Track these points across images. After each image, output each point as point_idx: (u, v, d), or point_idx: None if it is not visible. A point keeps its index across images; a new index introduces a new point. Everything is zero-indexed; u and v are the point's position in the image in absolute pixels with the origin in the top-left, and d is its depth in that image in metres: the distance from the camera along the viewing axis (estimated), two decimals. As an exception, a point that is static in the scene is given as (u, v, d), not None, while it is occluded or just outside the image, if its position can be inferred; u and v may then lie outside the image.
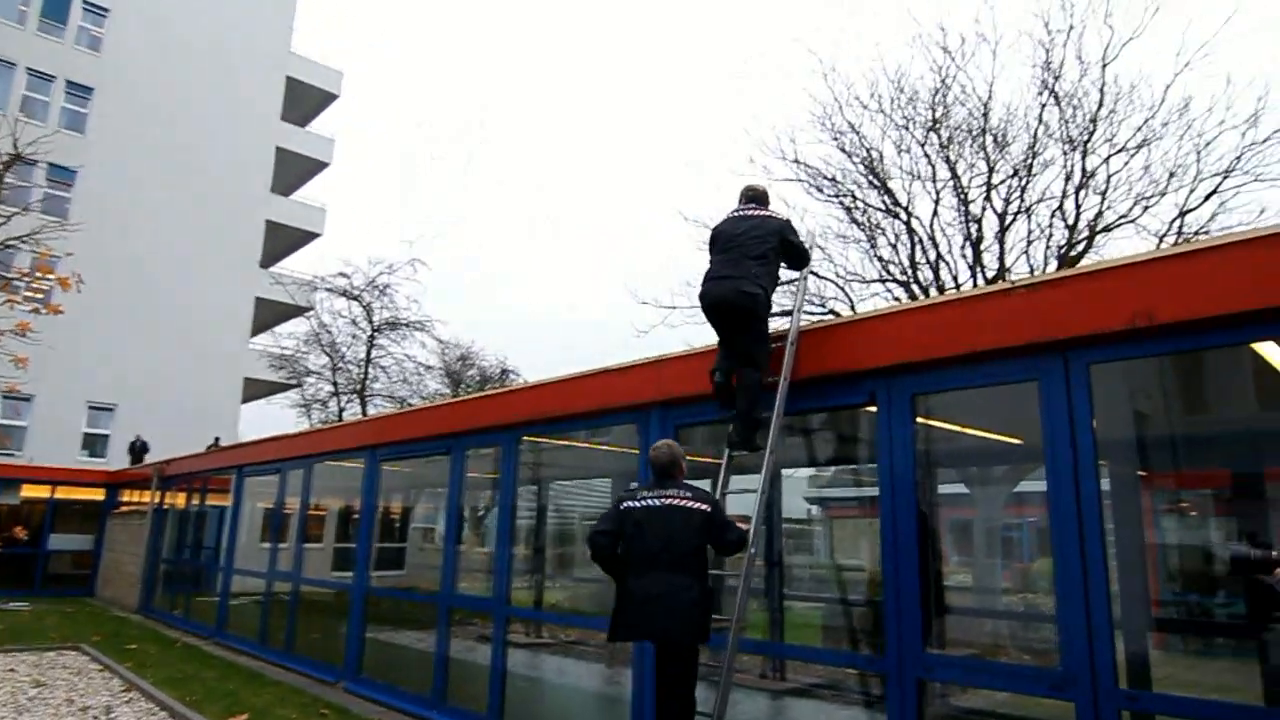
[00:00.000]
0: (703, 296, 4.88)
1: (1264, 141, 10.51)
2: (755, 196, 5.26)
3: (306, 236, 32.34)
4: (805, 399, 4.72)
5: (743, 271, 4.72)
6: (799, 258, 5.05)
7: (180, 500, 15.27)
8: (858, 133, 12.93)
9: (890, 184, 12.70)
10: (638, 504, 4.25)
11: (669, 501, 4.20)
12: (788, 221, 5.01)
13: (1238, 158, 10.60)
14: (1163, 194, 11.10)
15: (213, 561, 13.92)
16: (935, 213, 12.38)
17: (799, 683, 8.00)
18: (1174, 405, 5.23)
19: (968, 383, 4.13)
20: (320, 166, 33.44)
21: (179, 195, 26.78)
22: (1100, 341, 3.64)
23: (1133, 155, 11.25)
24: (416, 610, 11.73)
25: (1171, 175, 10.96)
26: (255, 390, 29.54)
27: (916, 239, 12.53)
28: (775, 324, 5.23)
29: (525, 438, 7.14)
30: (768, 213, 5.06)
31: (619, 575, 4.22)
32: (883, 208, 12.56)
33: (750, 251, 4.80)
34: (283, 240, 31.78)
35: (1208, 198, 10.63)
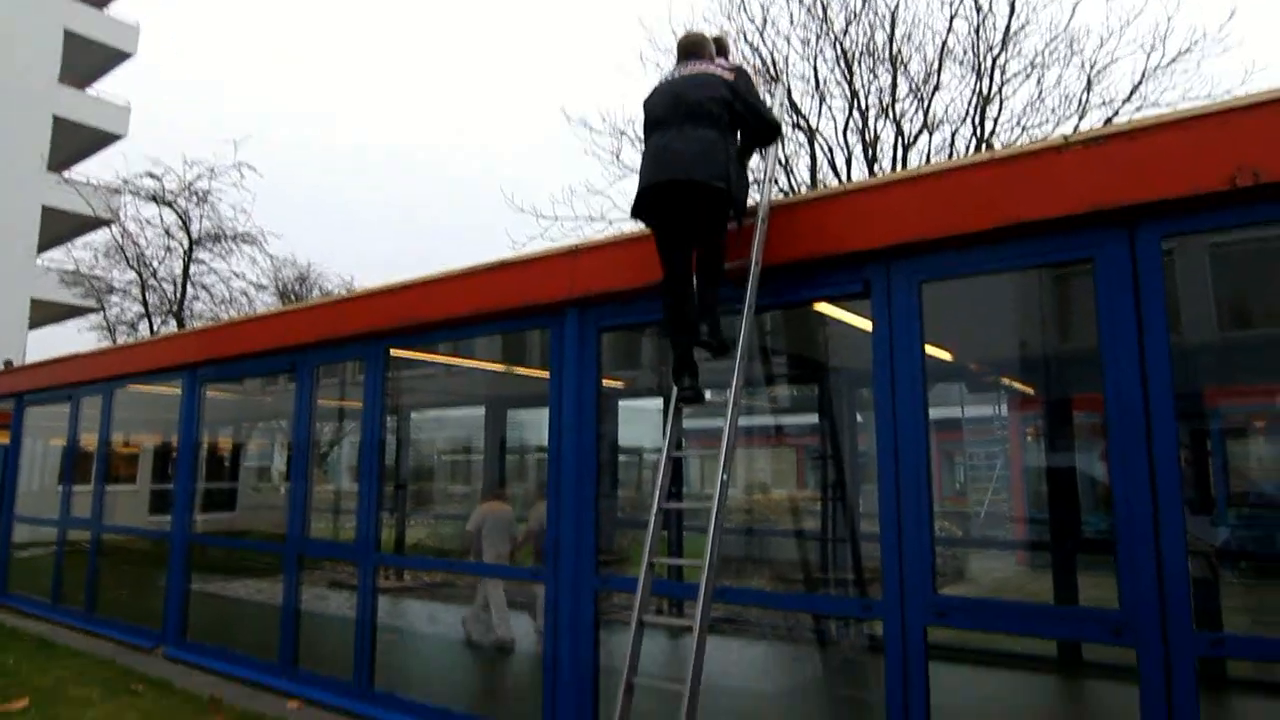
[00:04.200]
0: (643, 190, 3.60)
1: (1168, 65, 10.56)
2: (694, 46, 3.97)
3: (106, 138, 27.91)
4: (779, 290, 3.78)
5: (697, 143, 3.52)
6: (765, 128, 3.84)
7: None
8: (762, 31, 11.97)
9: (793, 94, 11.89)
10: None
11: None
12: (743, 72, 3.81)
13: (1139, 81, 10.62)
14: (1080, 114, 10.97)
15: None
16: (846, 126, 11.68)
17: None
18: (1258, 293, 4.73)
19: (996, 265, 3.31)
20: (122, 56, 28.82)
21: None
22: (1180, 209, 2.89)
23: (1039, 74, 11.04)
24: (252, 557, 10.18)
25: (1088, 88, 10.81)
26: (47, 313, 25.56)
27: (818, 153, 11.87)
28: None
29: (394, 350, 5.83)
30: (717, 68, 3.79)
31: None
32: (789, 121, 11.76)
33: (703, 119, 3.58)
34: (77, 141, 27.27)
35: (1108, 121, 10.62)
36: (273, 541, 8.28)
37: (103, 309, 19.91)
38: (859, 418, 7.98)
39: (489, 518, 7.52)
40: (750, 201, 3.78)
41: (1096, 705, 5.74)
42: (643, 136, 3.86)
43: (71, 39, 26.46)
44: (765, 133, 3.90)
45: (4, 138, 23.88)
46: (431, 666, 7.23)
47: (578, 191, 33.65)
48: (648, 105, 3.85)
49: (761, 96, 3.99)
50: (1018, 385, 9.44)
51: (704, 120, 3.59)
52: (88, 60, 27.82)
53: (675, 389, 3.67)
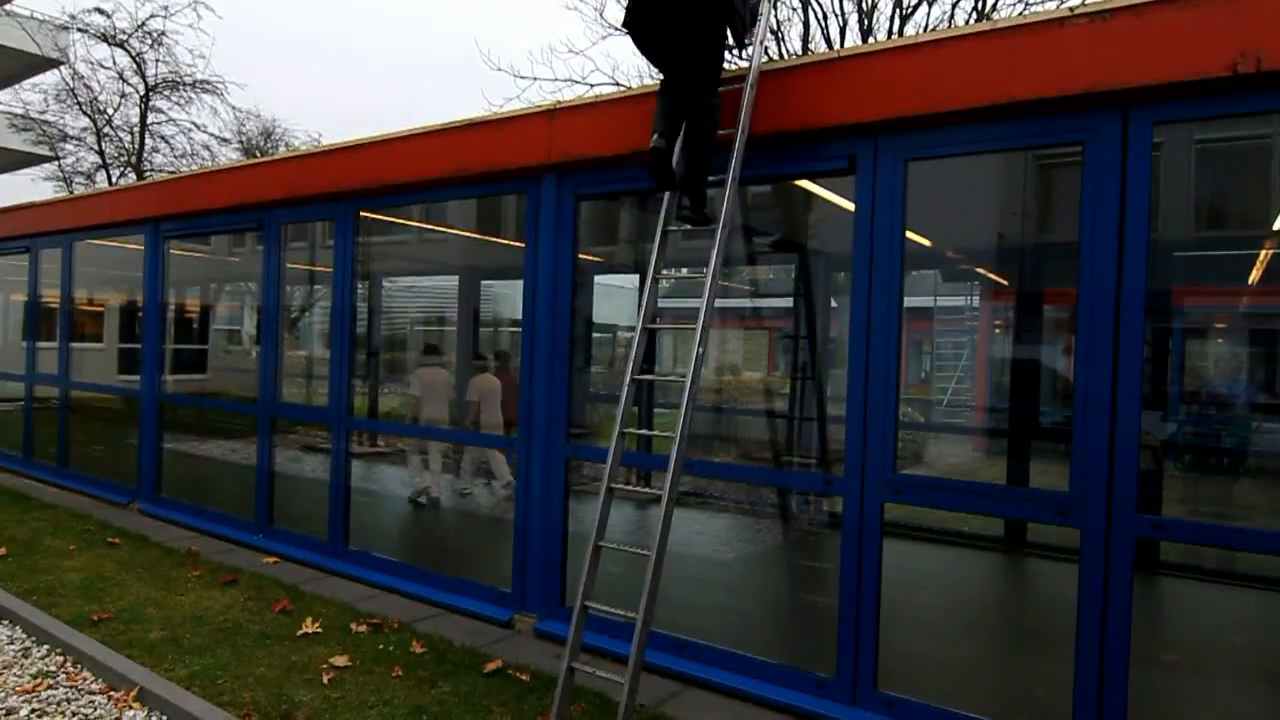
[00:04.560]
0: (632, 8, 3.44)
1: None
2: None
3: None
4: (762, 162, 3.67)
5: None
6: None
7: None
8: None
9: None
10: None
11: None
12: None
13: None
14: None
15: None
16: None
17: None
18: (1240, 190, 4.69)
19: (986, 145, 3.22)
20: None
21: None
22: (1179, 92, 2.80)
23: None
24: (224, 420, 10.22)
25: None
26: (-3, 161, 24.33)
27: (812, 20, 11.33)
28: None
29: (364, 212, 5.66)
30: None
31: None
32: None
33: None
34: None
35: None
36: (245, 403, 8.31)
37: (57, 157, 19.02)
38: (834, 303, 8.02)
39: (428, 382, 7.75)
40: (740, 65, 3.61)
41: (1037, 581, 6.10)
42: None
43: None
44: None
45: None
46: (403, 528, 7.46)
47: (558, 51, 32.09)
48: None
49: None
50: (992, 276, 9.49)
51: None
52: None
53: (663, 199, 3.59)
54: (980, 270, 9.27)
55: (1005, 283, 9.28)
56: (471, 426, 7.56)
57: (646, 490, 6.47)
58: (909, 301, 3.49)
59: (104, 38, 16.80)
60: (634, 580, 3.11)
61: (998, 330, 14.21)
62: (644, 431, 5.99)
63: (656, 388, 8.06)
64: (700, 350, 3.20)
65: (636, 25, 3.48)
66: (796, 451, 7.30)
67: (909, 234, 3.42)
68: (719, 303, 3.42)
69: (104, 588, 4.91)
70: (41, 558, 5.54)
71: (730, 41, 3.53)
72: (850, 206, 3.50)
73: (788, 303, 8.87)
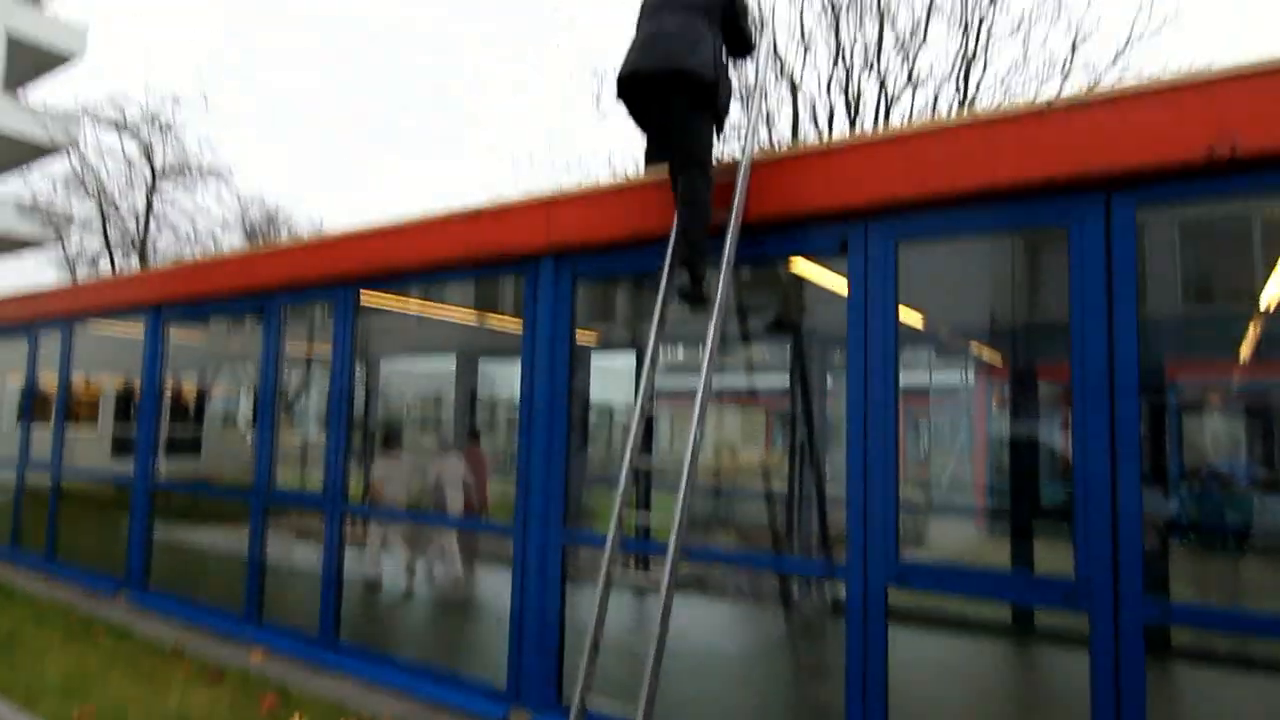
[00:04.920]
0: (626, 75, 3.58)
1: (1155, 33, 10.60)
2: None
3: (62, 58, 26.72)
4: (757, 245, 3.74)
5: (687, 31, 3.51)
6: (743, 41, 3.85)
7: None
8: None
9: (777, 44, 11.71)
10: None
11: None
12: None
13: (1124, 47, 10.62)
14: (1064, 77, 10.99)
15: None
16: (829, 81, 11.55)
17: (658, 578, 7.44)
18: (1225, 267, 4.77)
19: (973, 228, 3.30)
20: (82, -24, 27.53)
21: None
22: (1157, 178, 2.89)
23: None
24: (218, 505, 10.06)
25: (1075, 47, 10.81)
26: (3, 245, 24.71)
27: (800, 108, 11.75)
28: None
29: (365, 294, 5.72)
30: None
31: None
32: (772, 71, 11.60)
33: (697, 10, 3.59)
34: (32, 60, 26.08)
35: (1091, 88, 10.63)
36: (239, 490, 8.19)
37: (62, 242, 19.32)
38: (829, 381, 8.04)
39: (388, 475, 7.94)
40: (733, 155, 3.72)
41: (1048, 669, 5.93)
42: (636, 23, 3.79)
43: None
44: (744, 46, 3.90)
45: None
46: (396, 619, 7.26)
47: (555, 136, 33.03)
48: None
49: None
50: (986, 353, 9.57)
51: (697, 11, 3.60)
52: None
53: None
54: (974, 347, 9.35)
55: (999, 360, 9.35)
56: (435, 509, 7.56)
57: (645, 579, 6.35)
58: (904, 379, 3.50)
59: (115, 126, 17.29)
60: (635, 666, 3.01)
61: (994, 407, 14.24)
62: (642, 520, 5.91)
63: (654, 468, 8.00)
64: (698, 435, 3.19)
65: (628, 91, 3.66)
66: (797, 535, 7.19)
67: (902, 311, 3.46)
68: (717, 380, 3.43)
69: (86, 685, 4.74)
70: (22, 653, 5.37)
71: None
72: (844, 287, 3.55)
73: (784, 379, 8.90)
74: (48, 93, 26.32)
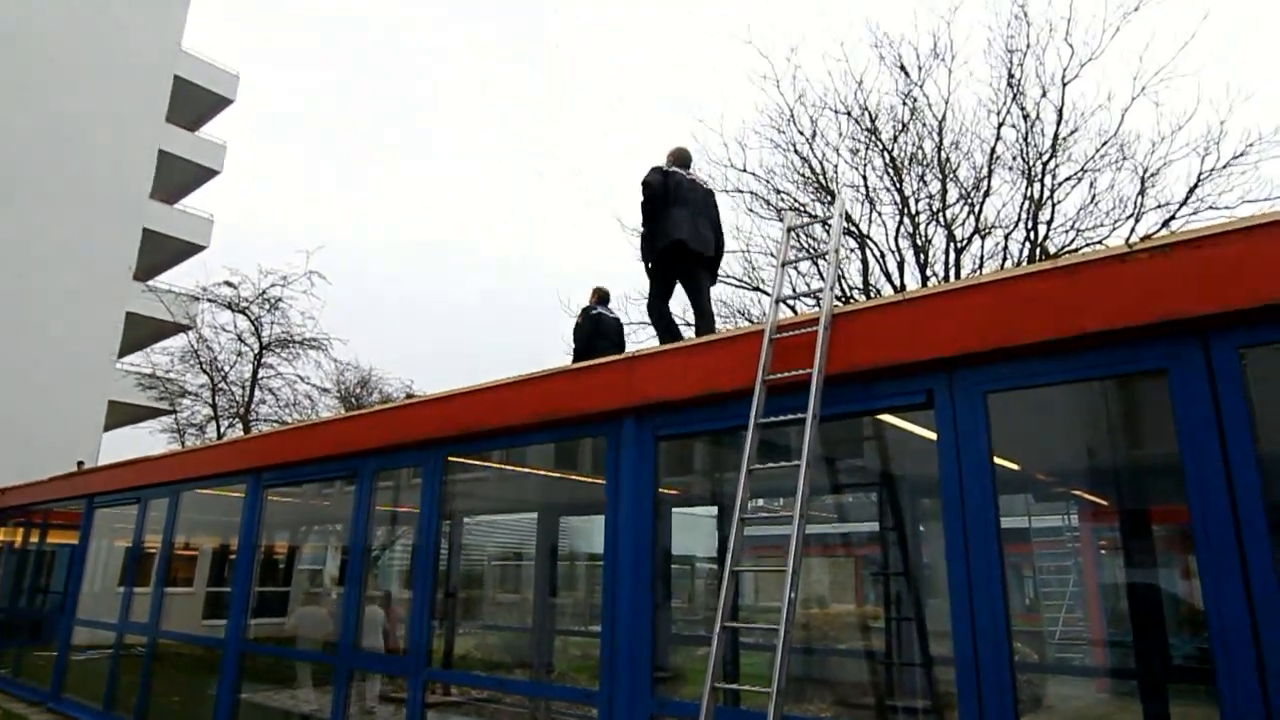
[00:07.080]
0: (681, 241, 5.85)
1: (1223, 168, 10.47)
2: (689, 157, 6.33)
3: (190, 248, 29.76)
4: (840, 399, 3.74)
5: (713, 231, 6.22)
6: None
7: (18, 537, 12.99)
8: (811, 142, 12.30)
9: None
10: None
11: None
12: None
13: (1195, 184, 10.54)
14: (1135, 218, 10.87)
15: (56, 610, 11.74)
16: (897, 232, 11.79)
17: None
18: None
19: (1063, 376, 3.24)
20: (210, 174, 31.05)
21: (40, 200, 24.13)
22: (1253, 319, 2.81)
23: (1090, 178, 11.00)
24: (303, 664, 10.05)
25: (1143, 188, 10.67)
26: (122, 415, 26.61)
27: (870, 258, 11.96)
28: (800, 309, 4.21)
29: (452, 457, 5.89)
30: (708, 187, 6.43)
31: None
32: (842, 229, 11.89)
33: (713, 211, 6.31)
34: (163, 251, 29.12)
35: (1166, 224, 10.53)
36: (324, 652, 8.20)
37: (175, 411, 20.68)
38: (920, 528, 7.70)
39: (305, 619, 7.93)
40: (812, 310, 3.81)
41: None
42: (669, 192, 6.00)
43: (166, 158, 28.60)
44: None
45: (96, 248, 25.59)
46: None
47: (632, 298, 34.29)
48: (674, 181, 6.05)
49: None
50: (1088, 496, 9.06)
51: (713, 213, 6.32)
52: (181, 176, 29.99)
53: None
54: (1075, 491, 8.88)
55: (1105, 502, 8.82)
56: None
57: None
58: (1003, 524, 3.35)
59: (229, 305, 18.85)
60: None
61: (1104, 552, 13.28)
62: (735, 686, 5.62)
63: (741, 621, 7.67)
64: (792, 595, 3.08)
65: (680, 252, 5.98)
66: (899, 697, 6.69)
67: (995, 459, 3.36)
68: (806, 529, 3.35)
69: None
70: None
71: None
72: (930, 434, 3.49)
73: (872, 527, 8.57)
74: (175, 277, 29.11)
